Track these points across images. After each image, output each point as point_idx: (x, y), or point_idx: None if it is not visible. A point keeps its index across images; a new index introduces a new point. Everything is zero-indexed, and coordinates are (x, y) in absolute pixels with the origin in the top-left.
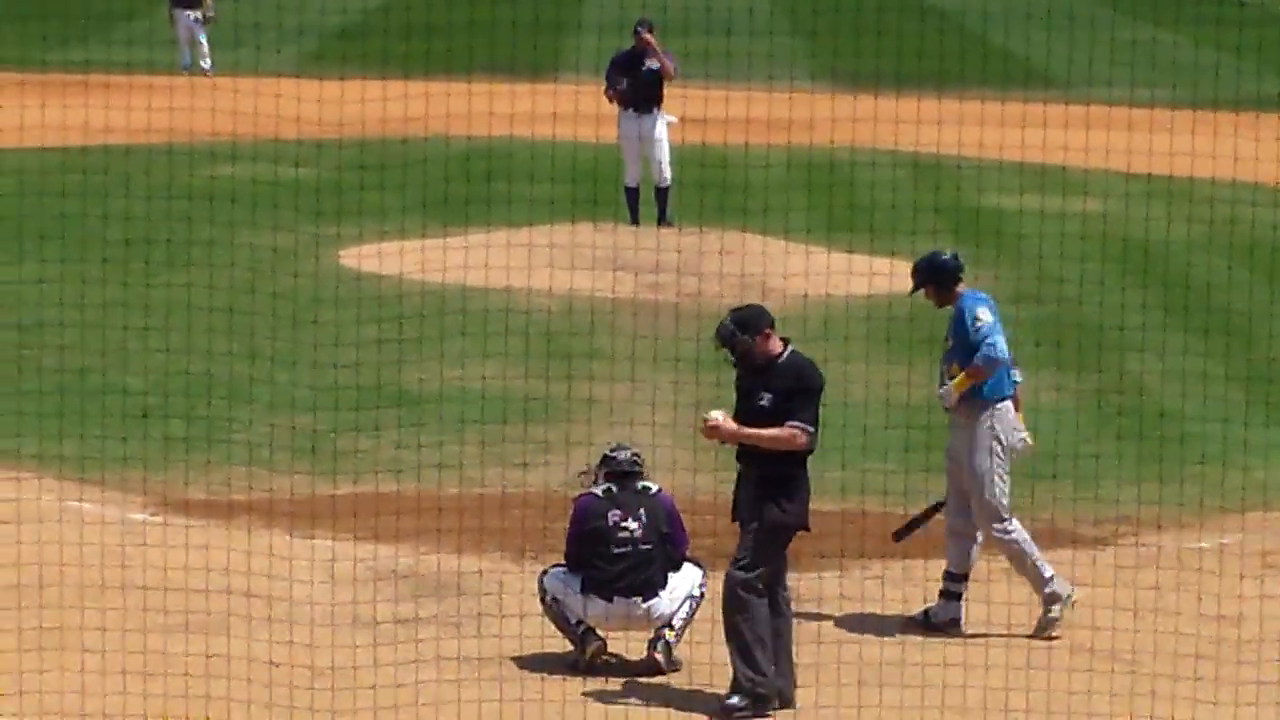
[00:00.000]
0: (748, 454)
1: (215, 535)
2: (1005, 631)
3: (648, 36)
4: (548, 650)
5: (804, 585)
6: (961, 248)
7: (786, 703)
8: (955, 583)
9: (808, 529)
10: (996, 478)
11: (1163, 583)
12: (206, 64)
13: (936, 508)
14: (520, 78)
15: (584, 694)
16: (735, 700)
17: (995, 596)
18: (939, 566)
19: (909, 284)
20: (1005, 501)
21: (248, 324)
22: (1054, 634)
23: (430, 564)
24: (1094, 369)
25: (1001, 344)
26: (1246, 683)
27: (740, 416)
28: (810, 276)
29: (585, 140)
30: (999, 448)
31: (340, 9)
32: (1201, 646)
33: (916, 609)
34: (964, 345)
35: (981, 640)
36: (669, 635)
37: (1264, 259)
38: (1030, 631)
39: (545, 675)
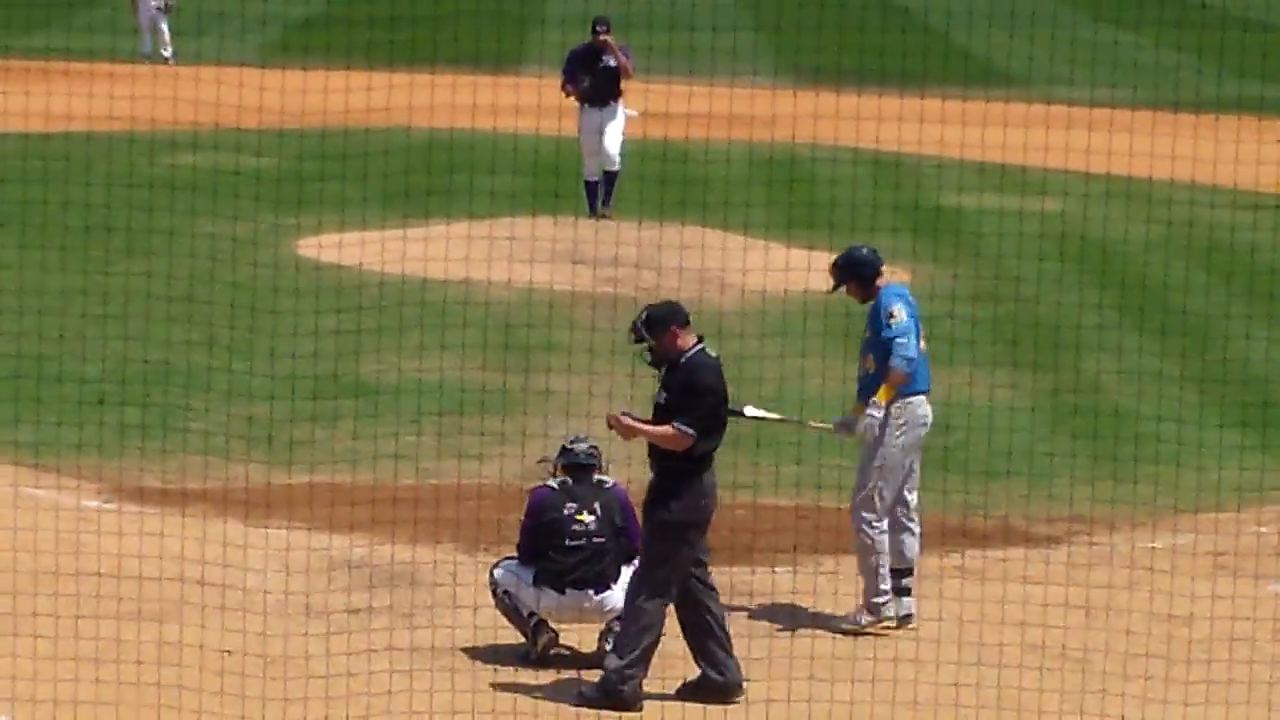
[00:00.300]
0: (648, 451)
1: (170, 523)
2: (957, 628)
3: (606, 38)
4: (500, 642)
5: (757, 579)
6: (920, 246)
7: (732, 693)
8: (900, 578)
9: (699, 526)
10: (886, 472)
11: (1115, 582)
12: (167, 52)
13: (793, 421)
14: (483, 70)
15: (535, 685)
16: (587, 691)
17: (947, 593)
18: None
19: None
20: (885, 500)
21: (206, 313)
22: (846, 629)
23: (384, 555)
24: (1050, 368)
25: (913, 343)
26: (1196, 682)
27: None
28: (769, 272)
29: (547, 133)
30: (901, 441)
31: None
32: (1152, 646)
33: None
34: (879, 340)
35: (933, 637)
36: (617, 626)
37: (1221, 261)
38: (986, 626)
39: (497, 666)
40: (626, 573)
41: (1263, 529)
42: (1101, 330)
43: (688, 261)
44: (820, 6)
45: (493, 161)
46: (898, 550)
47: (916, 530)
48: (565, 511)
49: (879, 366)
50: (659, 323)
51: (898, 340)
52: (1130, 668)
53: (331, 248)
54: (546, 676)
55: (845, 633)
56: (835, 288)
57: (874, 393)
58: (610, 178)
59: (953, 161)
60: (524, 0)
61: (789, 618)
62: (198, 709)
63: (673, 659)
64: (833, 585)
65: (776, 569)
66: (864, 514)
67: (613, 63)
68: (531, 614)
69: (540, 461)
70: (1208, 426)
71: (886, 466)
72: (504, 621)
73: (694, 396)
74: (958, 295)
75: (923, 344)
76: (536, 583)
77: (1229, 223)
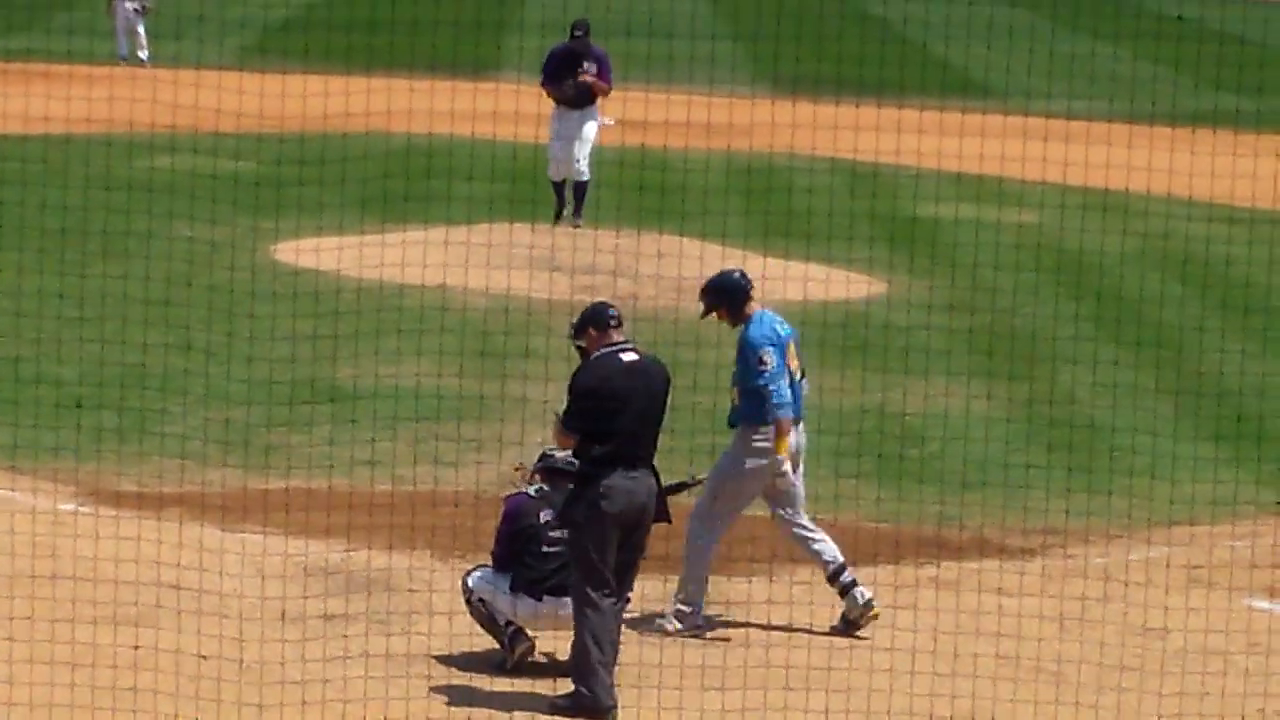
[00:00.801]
0: None
1: (145, 527)
2: (931, 639)
3: (587, 79)
4: (475, 649)
5: (732, 589)
6: (897, 256)
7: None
8: (839, 576)
9: (597, 529)
10: (731, 495)
11: (1089, 594)
12: (144, 55)
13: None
14: (461, 76)
15: (511, 693)
16: (559, 700)
17: (922, 604)
18: (867, 574)
19: (844, 291)
20: (726, 520)
21: (183, 316)
22: (667, 629)
23: (359, 561)
24: (1025, 380)
25: (784, 388)
26: (1170, 695)
27: None
28: None
29: (525, 140)
30: (751, 467)
31: (282, 2)
32: (1126, 658)
33: (832, 621)
34: (747, 370)
35: (908, 648)
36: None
37: (1196, 274)
38: (961, 637)
39: (473, 674)
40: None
41: (1236, 542)
42: (1077, 342)
43: (665, 270)
44: (799, 16)
45: (470, 167)
46: (819, 556)
47: (823, 534)
48: (541, 518)
49: (743, 401)
50: (582, 324)
51: (770, 389)
52: (1104, 680)
53: (309, 252)
54: (523, 684)
55: (666, 632)
56: (706, 313)
57: (739, 422)
58: (580, 189)
59: (930, 172)
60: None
61: (764, 628)
62: (173, 713)
63: (649, 668)
64: (809, 595)
65: (752, 579)
66: (701, 521)
67: (594, 71)
68: (509, 622)
69: (517, 468)
70: (1182, 439)
71: (732, 490)
72: (479, 629)
73: (571, 396)
74: (934, 305)
75: (794, 364)
76: (514, 590)
77: (1204, 235)
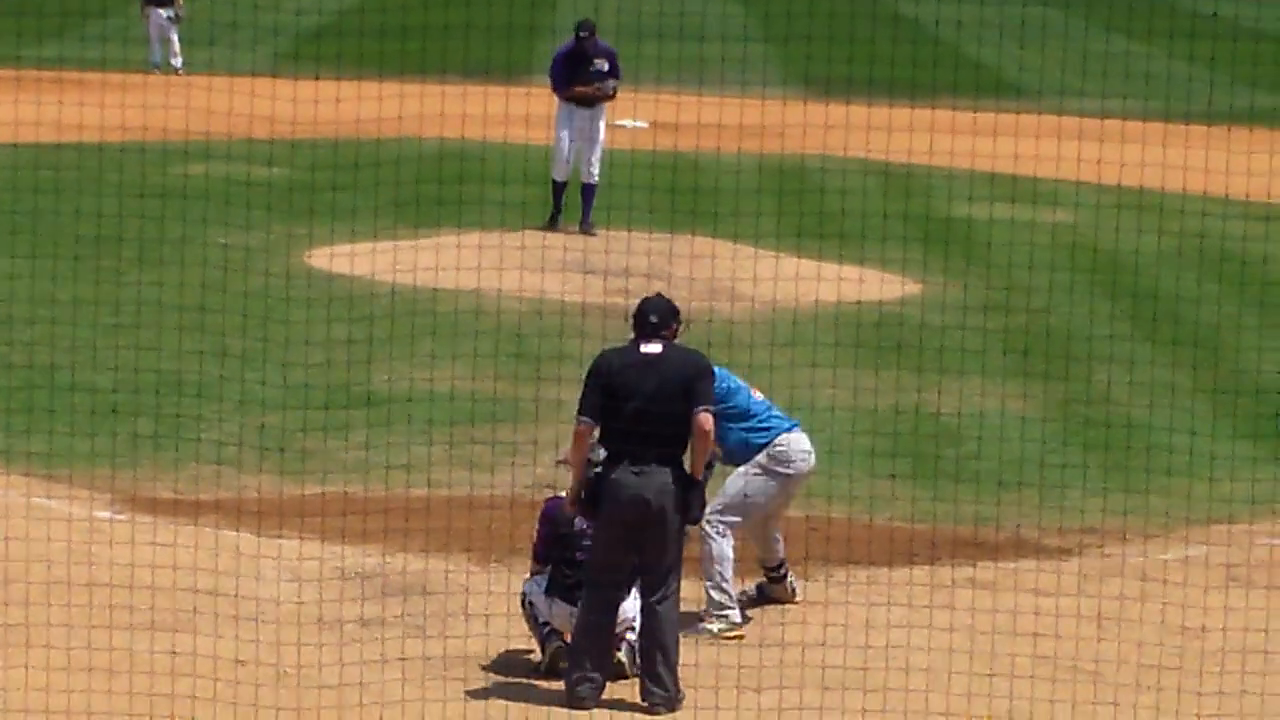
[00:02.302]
0: None
1: (181, 534)
2: (969, 639)
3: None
4: (511, 652)
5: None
6: (930, 257)
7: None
8: (775, 571)
9: (601, 527)
10: (750, 492)
11: (1126, 594)
12: (177, 62)
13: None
14: (493, 80)
15: (546, 695)
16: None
17: (959, 604)
18: (904, 574)
19: (879, 292)
20: (732, 518)
21: (217, 323)
22: (712, 630)
23: (395, 565)
24: (1061, 379)
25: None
26: (1209, 694)
27: None
28: (779, 283)
29: None
30: (774, 471)
31: (315, 9)
32: (1164, 658)
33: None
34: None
35: (945, 648)
36: (631, 637)
37: (1233, 272)
38: (998, 638)
39: (508, 677)
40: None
41: (1275, 540)
42: (1113, 341)
43: (698, 272)
44: (830, 17)
45: (503, 171)
46: (773, 552)
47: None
48: (577, 525)
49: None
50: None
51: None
52: (1142, 679)
53: (342, 258)
54: (557, 687)
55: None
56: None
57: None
58: (591, 192)
59: (963, 172)
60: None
61: (799, 628)
62: (210, 719)
63: (686, 668)
64: (844, 595)
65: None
66: (716, 518)
67: (605, 68)
68: (545, 623)
69: (559, 463)
70: (1219, 438)
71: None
72: (516, 632)
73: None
74: (968, 306)
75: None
76: (549, 593)
77: (1241, 234)
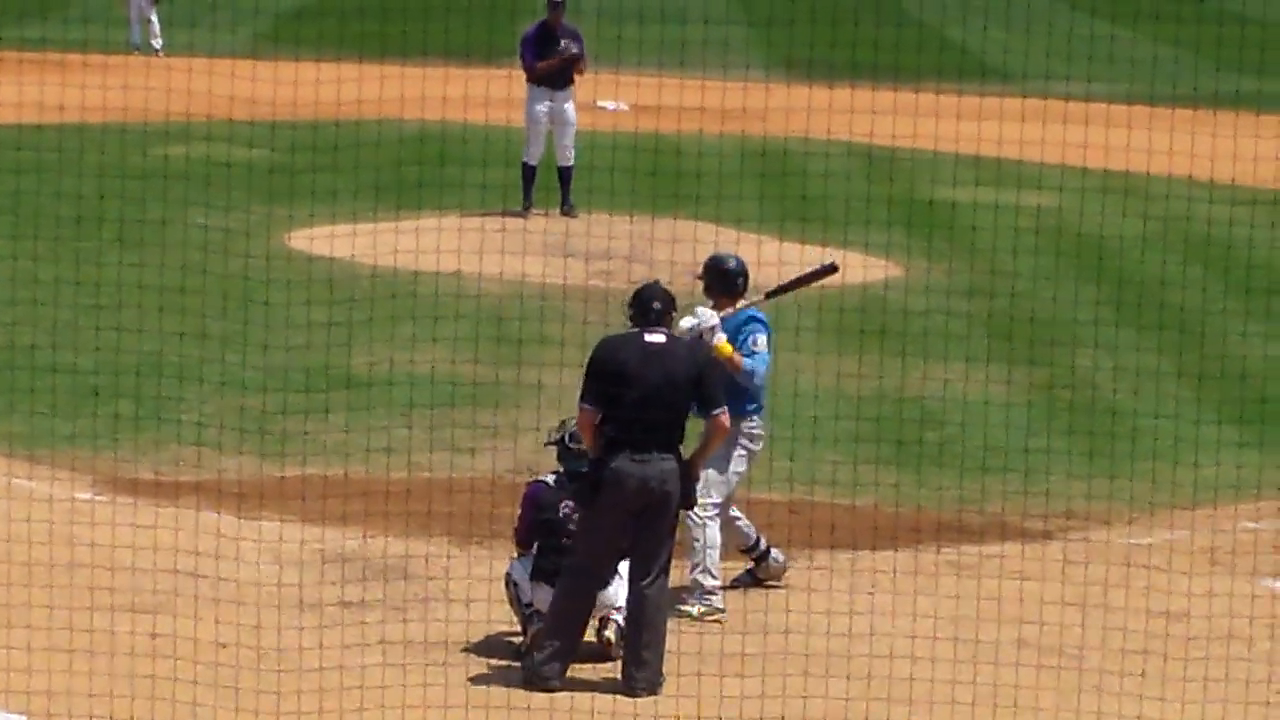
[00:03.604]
0: None
1: (162, 515)
2: (951, 625)
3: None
4: (493, 635)
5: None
6: (914, 240)
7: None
8: (756, 547)
9: (595, 511)
10: (734, 471)
11: (1109, 578)
12: (157, 43)
13: (827, 270)
14: (474, 62)
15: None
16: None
17: (942, 589)
18: (887, 559)
19: (861, 275)
20: (717, 499)
21: (197, 304)
22: (693, 614)
23: (377, 548)
24: (1044, 364)
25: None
26: (1191, 680)
27: None
28: (761, 266)
29: None
30: (749, 450)
31: None
32: (1147, 642)
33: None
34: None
35: (928, 633)
36: (617, 618)
37: (1217, 257)
38: (981, 622)
39: (490, 660)
40: (624, 567)
41: (1257, 525)
42: (1096, 326)
43: (680, 255)
44: (812, 1)
45: (484, 154)
46: (742, 534)
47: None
48: (561, 511)
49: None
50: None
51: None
52: (1125, 664)
53: (323, 240)
54: None
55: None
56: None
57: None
58: (566, 174)
59: (947, 155)
60: None
61: (781, 613)
62: (191, 701)
63: (669, 654)
64: (826, 580)
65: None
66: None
67: (575, 50)
68: (529, 604)
69: (547, 444)
70: (1202, 422)
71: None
72: (497, 615)
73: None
74: (951, 290)
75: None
76: (533, 578)
77: (1225, 218)
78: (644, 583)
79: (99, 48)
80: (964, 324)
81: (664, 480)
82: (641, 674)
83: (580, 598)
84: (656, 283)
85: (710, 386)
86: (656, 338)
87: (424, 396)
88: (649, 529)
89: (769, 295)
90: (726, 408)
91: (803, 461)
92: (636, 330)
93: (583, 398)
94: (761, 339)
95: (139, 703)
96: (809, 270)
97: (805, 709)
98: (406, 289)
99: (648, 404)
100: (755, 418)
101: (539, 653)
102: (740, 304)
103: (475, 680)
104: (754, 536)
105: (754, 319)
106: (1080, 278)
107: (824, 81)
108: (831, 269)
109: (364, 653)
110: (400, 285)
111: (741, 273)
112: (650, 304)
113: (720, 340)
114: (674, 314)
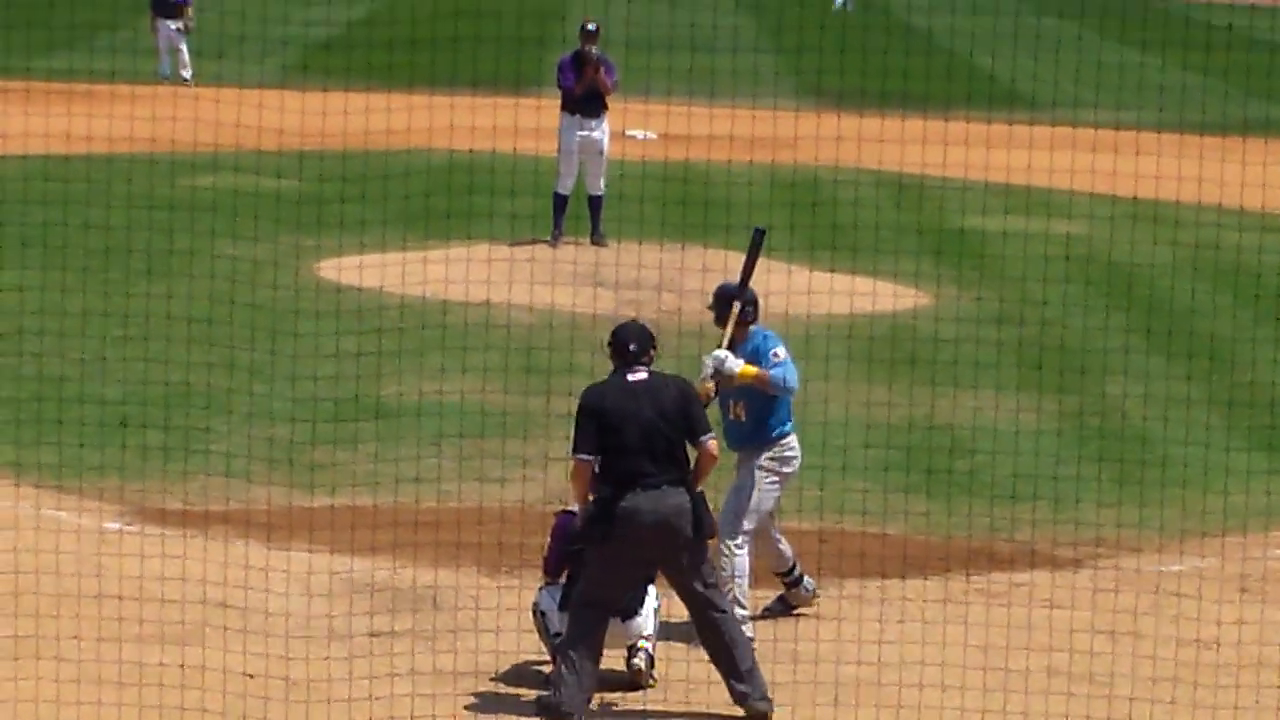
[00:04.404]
0: None
1: (191, 546)
2: (981, 653)
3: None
4: (522, 665)
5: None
6: (943, 269)
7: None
8: (791, 573)
9: (597, 547)
10: (763, 497)
11: (1139, 606)
12: (187, 73)
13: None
14: (502, 92)
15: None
16: (541, 697)
17: (971, 617)
18: (917, 587)
19: (891, 304)
20: (749, 528)
21: (226, 335)
22: None
23: (406, 578)
24: (1073, 392)
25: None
26: (1221, 708)
27: None
28: (791, 295)
29: None
30: (779, 472)
31: (324, 21)
32: (1177, 670)
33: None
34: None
35: (957, 662)
36: (646, 645)
37: (1246, 284)
38: (1010, 650)
39: (520, 690)
40: (652, 596)
41: None
42: (1126, 353)
43: (709, 284)
44: (841, 29)
45: (513, 183)
46: (778, 556)
47: (780, 536)
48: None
49: (749, 415)
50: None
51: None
52: (1155, 692)
53: (351, 269)
54: None
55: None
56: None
57: (745, 441)
58: (596, 204)
59: (975, 184)
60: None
61: (812, 642)
62: None
63: (698, 684)
64: (856, 608)
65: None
66: (729, 540)
67: (610, 80)
68: (557, 634)
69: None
70: (1232, 450)
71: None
72: (527, 645)
73: (575, 419)
74: (980, 318)
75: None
76: (562, 607)
77: (1255, 246)
78: (713, 611)
79: (127, 78)
80: (994, 352)
81: (679, 514)
82: (754, 689)
83: (591, 628)
84: (633, 321)
85: (697, 414)
86: (638, 376)
87: (453, 426)
88: (672, 565)
89: (738, 291)
90: (714, 433)
91: (832, 490)
92: (617, 372)
93: (576, 449)
94: (780, 350)
95: None
96: (749, 250)
97: None
98: (436, 319)
99: (646, 439)
100: (785, 441)
101: (558, 686)
102: (731, 319)
103: (505, 710)
104: (791, 561)
105: (766, 337)
106: (1110, 305)
107: (854, 110)
108: (759, 234)
109: (393, 683)
110: (429, 315)
111: (751, 301)
112: (627, 345)
113: (740, 366)
114: (653, 351)
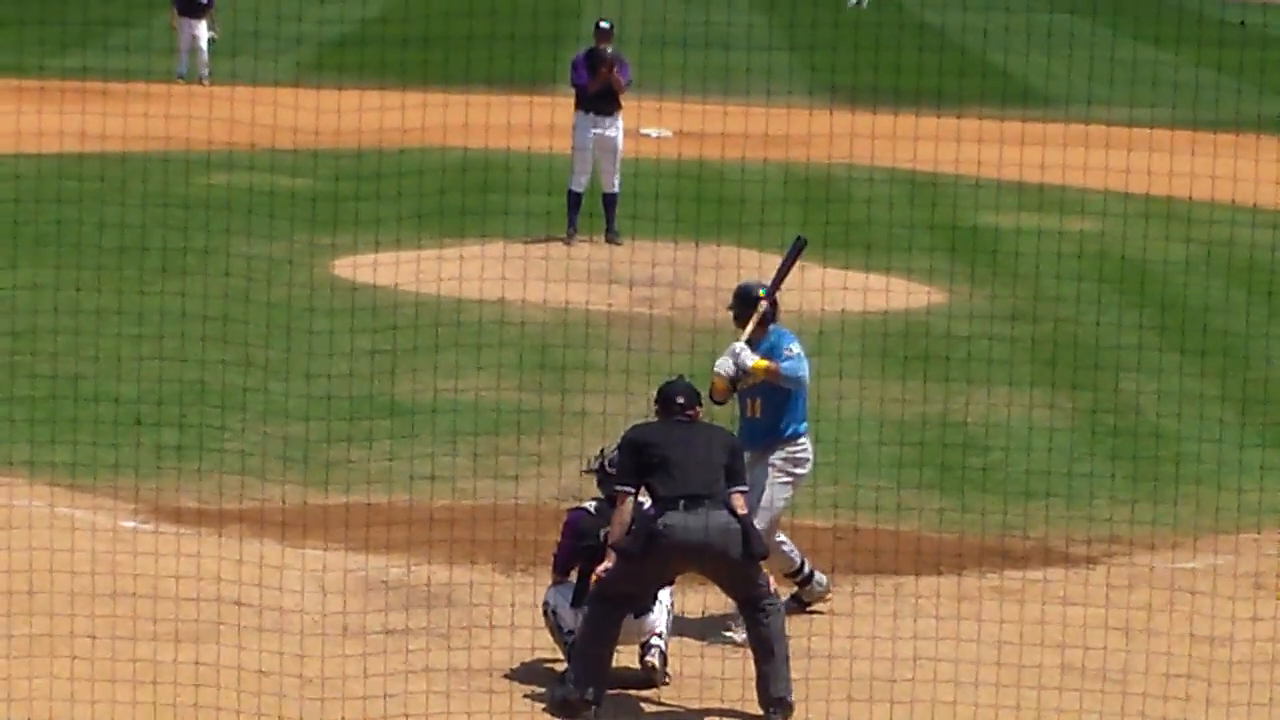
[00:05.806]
0: None
1: (206, 544)
2: (995, 649)
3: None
4: (537, 662)
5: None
6: (957, 266)
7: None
8: (798, 574)
9: (633, 558)
10: (777, 499)
11: (1153, 603)
12: (205, 72)
13: (798, 246)
14: (517, 90)
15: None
16: (556, 692)
17: (985, 614)
18: (931, 584)
19: (904, 301)
20: (762, 527)
21: (242, 333)
22: (735, 640)
23: (421, 575)
24: (1088, 388)
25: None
26: (1236, 704)
27: None
28: (805, 292)
29: None
30: (792, 474)
31: (338, 19)
32: (1191, 667)
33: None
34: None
35: (972, 658)
36: (659, 642)
37: (1260, 281)
38: (1025, 647)
39: (534, 687)
40: (665, 593)
41: None
42: (1140, 350)
43: (723, 281)
44: (855, 26)
45: (527, 181)
46: (785, 557)
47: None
48: (603, 538)
49: (765, 413)
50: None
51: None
52: (1169, 689)
53: (367, 267)
54: None
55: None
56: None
57: (760, 439)
58: (611, 201)
59: (990, 181)
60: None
61: (826, 639)
62: None
63: (712, 680)
64: (870, 605)
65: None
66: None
67: (624, 79)
68: (570, 632)
69: (584, 472)
70: (1247, 446)
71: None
72: (541, 642)
73: (618, 454)
74: (995, 315)
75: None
76: (575, 605)
77: (1269, 243)
78: (761, 615)
79: (142, 77)
80: (1007, 349)
81: (725, 533)
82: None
83: (606, 625)
84: (680, 378)
85: (739, 467)
86: (683, 419)
87: (468, 424)
88: (720, 578)
89: (769, 292)
90: (745, 490)
91: (846, 487)
92: (663, 417)
93: (620, 481)
94: (794, 346)
95: None
96: (786, 255)
97: None
98: (450, 316)
99: (692, 464)
100: (798, 441)
101: (570, 683)
102: (754, 318)
103: (519, 707)
104: (799, 561)
105: (782, 335)
106: (1123, 303)
107: (867, 107)
108: (801, 242)
109: (408, 681)
110: (444, 313)
111: (771, 301)
112: (674, 398)
113: (754, 359)
114: (699, 408)
